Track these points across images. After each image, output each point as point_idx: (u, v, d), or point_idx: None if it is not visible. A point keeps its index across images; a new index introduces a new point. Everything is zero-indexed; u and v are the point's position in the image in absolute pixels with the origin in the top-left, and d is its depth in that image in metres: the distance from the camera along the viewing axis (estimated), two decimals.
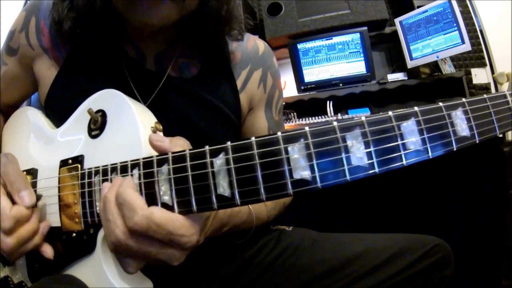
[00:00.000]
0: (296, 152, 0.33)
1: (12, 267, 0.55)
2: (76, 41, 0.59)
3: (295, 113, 1.59)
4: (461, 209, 1.51)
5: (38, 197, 0.50)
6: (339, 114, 1.57)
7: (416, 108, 0.34)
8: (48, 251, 0.48)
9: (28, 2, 0.67)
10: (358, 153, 0.32)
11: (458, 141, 0.34)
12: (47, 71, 0.60)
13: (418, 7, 1.57)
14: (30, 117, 0.62)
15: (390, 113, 0.33)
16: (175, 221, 0.37)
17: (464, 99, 0.35)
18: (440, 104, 0.34)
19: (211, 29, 0.58)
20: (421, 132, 0.33)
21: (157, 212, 0.36)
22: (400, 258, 0.56)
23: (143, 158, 0.41)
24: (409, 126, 0.33)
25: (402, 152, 0.32)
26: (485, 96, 0.37)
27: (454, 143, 0.34)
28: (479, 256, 1.44)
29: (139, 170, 0.41)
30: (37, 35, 0.60)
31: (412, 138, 0.33)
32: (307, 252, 0.62)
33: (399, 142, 0.32)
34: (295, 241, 0.64)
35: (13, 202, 0.46)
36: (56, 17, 0.55)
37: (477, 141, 0.35)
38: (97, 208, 0.45)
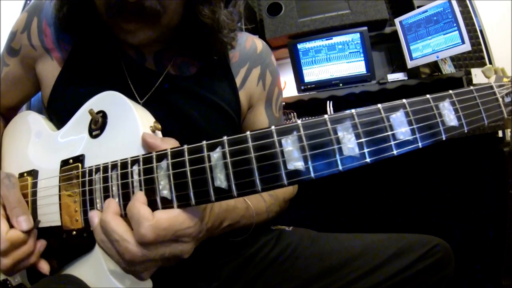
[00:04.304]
0: (289, 144, 0.34)
1: None
2: (77, 40, 0.59)
3: (295, 113, 1.59)
4: (461, 208, 1.51)
5: (36, 224, 0.51)
6: None
7: (404, 100, 0.35)
8: (44, 267, 0.50)
9: (30, 2, 0.67)
10: (350, 143, 0.33)
11: (447, 131, 0.35)
12: (49, 72, 0.61)
13: (418, 7, 1.57)
14: (30, 121, 0.63)
15: (379, 105, 0.34)
16: (178, 217, 0.38)
17: (451, 91, 0.36)
18: (428, 96, 0.35)
19: (203, 35, 0.59)
20: (410, 122, 0.34)
21: (163, 217, 0.37)
22: (400, 258, 0.57)
23: (143, 155, 0.42)
24: (398, 118, 0.34)
25: (392, 142, 0.33)
26: (471, 87, 0.38)
27: (443, 133, 0.35)
28: (479, 256, 1.44)
29: (138, 166, 0.41)
30: (39, 35, 0.60)
31: (401, 129, 0.34)
32: (307, 251, 0.62)
33: (389, 132, 0.33)
34: (295, 240, 0.64)
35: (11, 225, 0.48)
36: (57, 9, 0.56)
37: (466, 130, 0.36)
38: (97, 206, 0.45)
